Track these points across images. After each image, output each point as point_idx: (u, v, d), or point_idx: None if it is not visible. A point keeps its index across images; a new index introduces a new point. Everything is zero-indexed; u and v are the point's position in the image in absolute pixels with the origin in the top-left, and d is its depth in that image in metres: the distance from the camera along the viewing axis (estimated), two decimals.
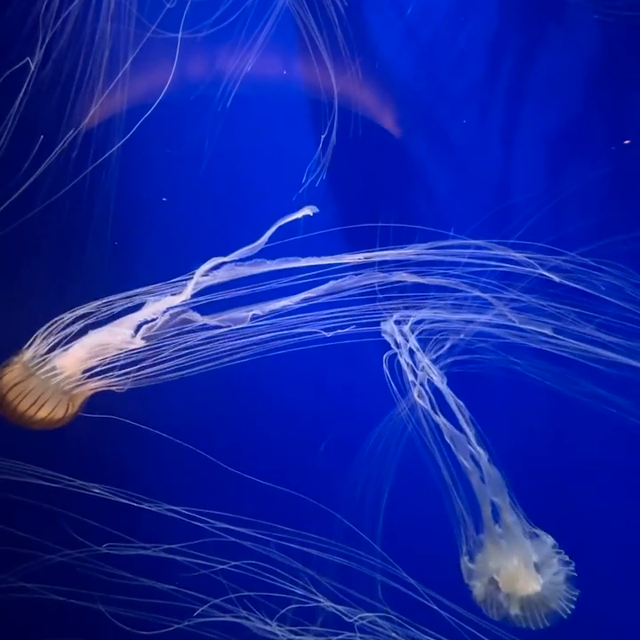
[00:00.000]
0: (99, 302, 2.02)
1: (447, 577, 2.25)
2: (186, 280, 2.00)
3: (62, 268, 2.34)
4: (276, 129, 2.38)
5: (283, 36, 2.26)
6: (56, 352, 1.99)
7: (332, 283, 2.02)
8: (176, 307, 1.97)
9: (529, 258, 2.07)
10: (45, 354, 1.99)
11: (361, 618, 2.26)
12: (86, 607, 2.33)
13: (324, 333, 2.01)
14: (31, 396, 1.96)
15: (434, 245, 2.07)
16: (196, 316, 1.96)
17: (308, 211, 1.95)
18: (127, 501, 2.24)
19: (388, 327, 2.12)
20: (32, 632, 2.47)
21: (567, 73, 2.32)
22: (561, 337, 2.11)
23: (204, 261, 1.99)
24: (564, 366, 2.20)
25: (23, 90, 2.05)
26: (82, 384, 2.00)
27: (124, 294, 2.02)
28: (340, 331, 2.04)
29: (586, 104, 2.34)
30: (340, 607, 2.28)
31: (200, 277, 1.94)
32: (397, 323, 2.12)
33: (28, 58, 2.04)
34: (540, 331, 2.10)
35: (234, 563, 2.29)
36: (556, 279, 2.05)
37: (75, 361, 1.98)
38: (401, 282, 2.05)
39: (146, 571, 2.33)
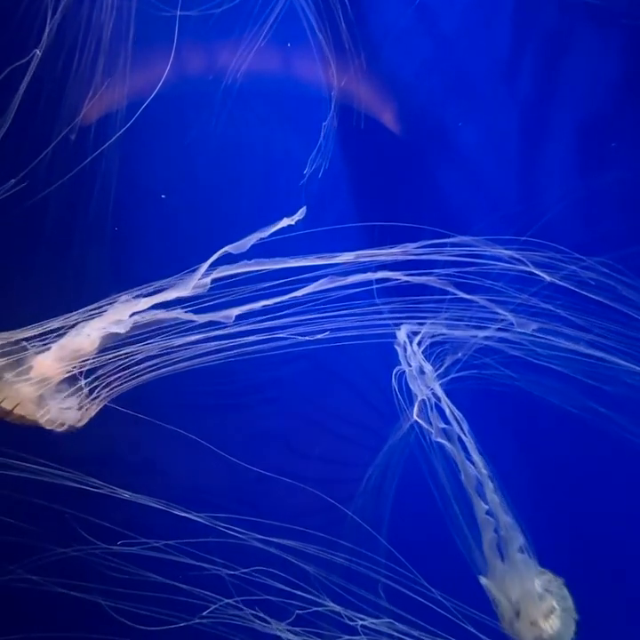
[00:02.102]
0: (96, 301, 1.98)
1: (454, 579, 2.24)
2: (175, 279, 1.98)
3: (60, 261, 2.31)
4: (278, 122, 2.37)
5: (286, 28, 2.23)
6: (38, 354, 1.92)
7: (317, 283, 1.98)
8: (160, 307, 1.94)
9: (532, 262, 2.05)
10: (32, 354, 1.93)
11: (365, 624, 2.25)
12: (90, 601, 2.33)
13: (300, 337, 1.99)
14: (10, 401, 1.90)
15: (433, 245, 2.04)
16: (181, 314, 1.93)
17: (297, 217, 1.93)
18: (138, 500, 2.25)
19: (401, 338, 2.10)
20: (37, 623, 2.47)
21: (587, 76, 2.30)
22: (555, 340, 2.10)
23: (203, 255, 1.98)
24: (564, 381, 2.19)
25: (26, 76, 2.03)
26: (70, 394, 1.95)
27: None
28: (319, 336, 2.02)
29: (604, 109, 2.33)
30: (345, 610, 2.28)
31: (198, 280, 1.92)
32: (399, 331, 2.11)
33: (36, 50, 2.02)
34: (523, 330, 2.09)
35: (241, 565, 2.29)
36: (547, 278, 2.03)
37: (52, 365, 1.90)
38: (396, 282, 2.03)
39: (155, 568, 2.33)
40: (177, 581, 2.33)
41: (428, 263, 2.03)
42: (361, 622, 2.26)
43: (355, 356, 2.24)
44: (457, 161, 2.37)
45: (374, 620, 2.26)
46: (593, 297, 2.07)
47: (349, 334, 2.04)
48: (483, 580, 2.11)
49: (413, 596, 2.23)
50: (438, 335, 2.11)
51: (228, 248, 1.95)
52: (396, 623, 2.25)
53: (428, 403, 2.07)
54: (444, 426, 2.06)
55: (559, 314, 2.08)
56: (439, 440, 2.05)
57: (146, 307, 1.93)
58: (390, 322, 2.09)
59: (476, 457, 2.04)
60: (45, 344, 1.91)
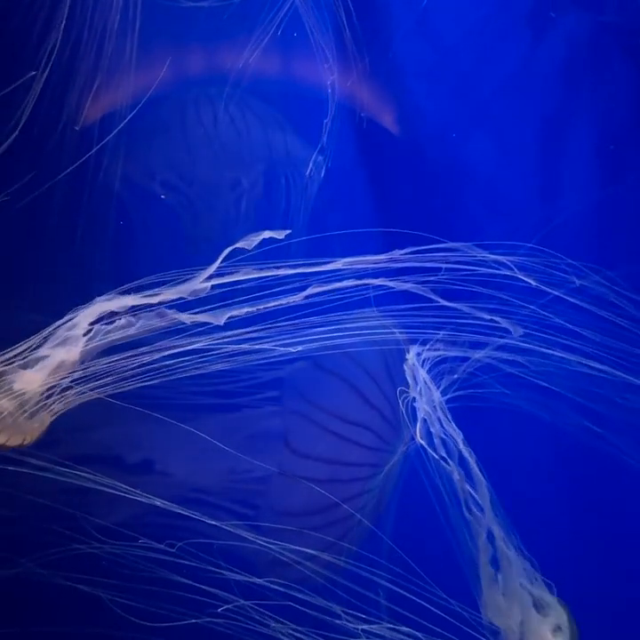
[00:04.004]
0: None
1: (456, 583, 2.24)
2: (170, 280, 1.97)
3: (59, 260, 2.31)
4: (280, 122, 2.37)
5: (289, 29, 2.23)
6: (19, 369, 1.83)
7: (310, 289, 1.95)
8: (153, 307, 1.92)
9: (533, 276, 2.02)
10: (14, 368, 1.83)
11: (365, 628, 2.25)
12: (95, 595, 2.33)
13: (290, 349, 1.98)
14: None
15: (433, 251, 2.02)
16: (172, 314, 1.91)
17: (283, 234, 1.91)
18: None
19: (411, 358, 2.08)
20: (43, 616, 2.49)
21: (596, 88, 2.29)
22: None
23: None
24: (560, 400, 2.18)
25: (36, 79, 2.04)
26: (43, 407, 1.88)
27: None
28: (293, 348, 2.00)
29: (611, 117, 2.31)
30: (348, 613, 2.28)
31: (200, 283, 1.91)
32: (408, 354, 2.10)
33: (34, 72, 2.03)
34: (514, 333, 2.06)
35: (240, 566, 2.29)
36: (533, 283, 2.01)
37: (36, 380, 1.81)
38: (394, 290, 2.01)
39: (157, 567, 2.33)
40: (179, 581, 2.34)
41: (427, 270, 2.02)
42: (362, 626, 2.26)
43: (354, 357, 2.23)
44: (460, 166, 2.36)
45: (376, 626, 2.26)
46: (592, 310, 2.05)
47: (348, 341, 2.03)
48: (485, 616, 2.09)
49: (418, 600, 2.23)
50: (438, 347, 2.10)
51: (236, 245, 1.94)
52: (401, 627, 2.26)
53: (429, 421, 2.06)
54: (444, 437, 2.05)
55: (563, 328, 2.06)
56: (440, 456, 2.04)
57: (137, 303, 1.90)
58: (389, 327, 2.08)
59: (476, 477, 2.03)
60: (32, 351, 1.87)
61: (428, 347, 2.07)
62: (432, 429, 2.04)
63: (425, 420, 2.04)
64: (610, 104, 2.31)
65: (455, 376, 2.13)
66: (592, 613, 2.24)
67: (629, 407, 2.13)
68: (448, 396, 2.12)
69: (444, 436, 2.03)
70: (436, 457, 2.02)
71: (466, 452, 2.02)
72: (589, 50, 2.30)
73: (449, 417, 2.04)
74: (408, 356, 2.07)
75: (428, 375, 2.07)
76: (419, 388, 2.06)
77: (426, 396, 2.06)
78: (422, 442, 2.03)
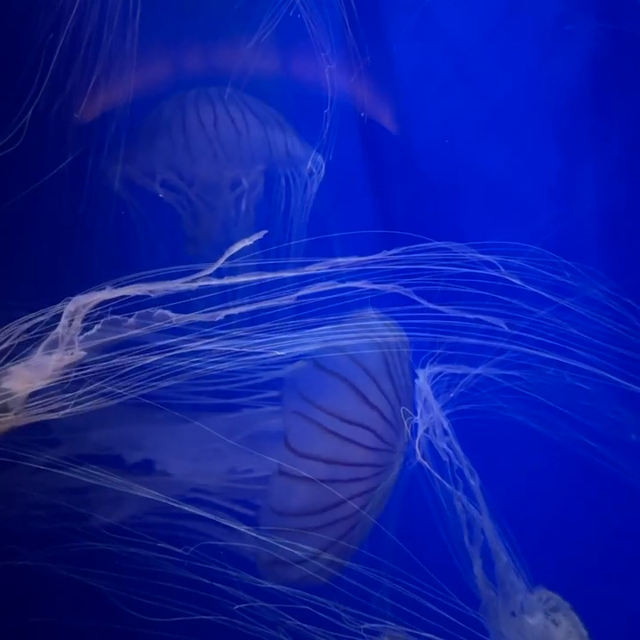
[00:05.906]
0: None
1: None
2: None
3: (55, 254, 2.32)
4: (281, 122, 2.37)
5: (290, 28, 2.23)
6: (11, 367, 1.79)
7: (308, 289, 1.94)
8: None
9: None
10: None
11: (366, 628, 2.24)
12: (99, 589, 2.36)
13: (277, 352, 1.97)
14: None
15: (432, 251, 2.02)
16: (165, 313, 1.88)
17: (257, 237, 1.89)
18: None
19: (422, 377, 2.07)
20: (46, 607, 2.51)
21: (603, 93, 2.28)
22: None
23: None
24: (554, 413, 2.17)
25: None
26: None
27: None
28: (278, 352, 1.98)
29: (607, 126, 2.30)
30: (349, 612, 2.27)
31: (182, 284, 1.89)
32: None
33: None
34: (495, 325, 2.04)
35: (240, 566, 2.30)
36: (519, 282, 1.98)
37: (29, 379, 1.76)
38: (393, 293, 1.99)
39: (160, 566, 2.34)
40: (180, 580, 2.34)
41: (424, 272, 2.01)
42: (364, 626, 2.26)
43: (354, 357, 2.22)
44: (462, 167, 2.35)
45: (378, 625, 2.25)
46: (590, 317, 2.03)
47: (345, 343, 2.03)
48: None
49: (422, 600, 2.22)
50: (437, 362, 2.09)
51: (235, 248, 1.93)
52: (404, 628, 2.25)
53: (430, 436, 2.05)
54: (446, 450, 2.04)
55: (563, 337, 2.04)
56: (440, 473, 2.03)
57: (128, 293, 1.87)
58: (387, 328, 2.08)
59: (476, 492, 2.02)
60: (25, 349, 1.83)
61: (427, 366, 2.07)
62: (433, 444, 2.03)
63: (426, 436, 2.04)
64: (617, 110, 2.30)
65: (452, 394, 2.12)
66: (592, 622, 2.24)
67: (619, 422, 2.12)
68: (448, 411, 2.12)
69: (445, 449, 2.03)
70: (437, 476, 2.02)
71: (466, 467, 2.01)
72: (595, 57, 2.29)
73: (450, 432, 2.04)
74: (419, 380, 2.07)
75: (429, 390, 2.06)
76: (420, 404, 2.05)
77: (427, 411, 2.05)
78: (423, 460, 2.03)
